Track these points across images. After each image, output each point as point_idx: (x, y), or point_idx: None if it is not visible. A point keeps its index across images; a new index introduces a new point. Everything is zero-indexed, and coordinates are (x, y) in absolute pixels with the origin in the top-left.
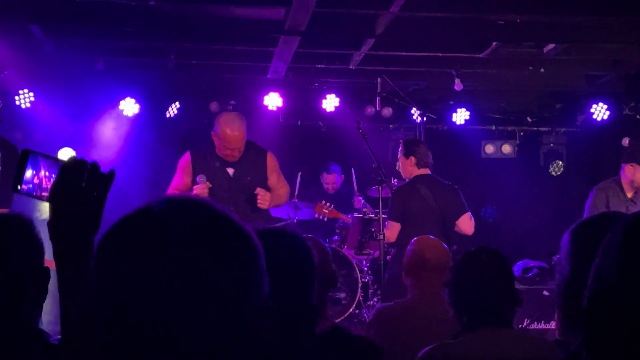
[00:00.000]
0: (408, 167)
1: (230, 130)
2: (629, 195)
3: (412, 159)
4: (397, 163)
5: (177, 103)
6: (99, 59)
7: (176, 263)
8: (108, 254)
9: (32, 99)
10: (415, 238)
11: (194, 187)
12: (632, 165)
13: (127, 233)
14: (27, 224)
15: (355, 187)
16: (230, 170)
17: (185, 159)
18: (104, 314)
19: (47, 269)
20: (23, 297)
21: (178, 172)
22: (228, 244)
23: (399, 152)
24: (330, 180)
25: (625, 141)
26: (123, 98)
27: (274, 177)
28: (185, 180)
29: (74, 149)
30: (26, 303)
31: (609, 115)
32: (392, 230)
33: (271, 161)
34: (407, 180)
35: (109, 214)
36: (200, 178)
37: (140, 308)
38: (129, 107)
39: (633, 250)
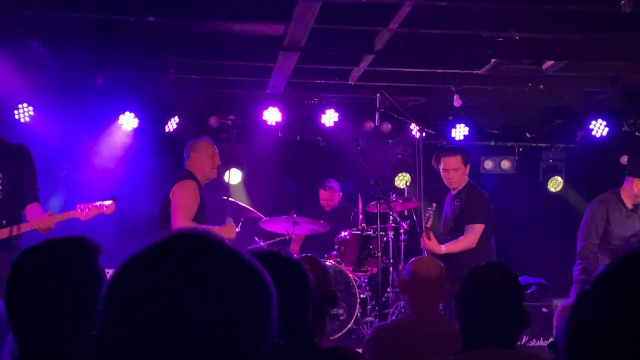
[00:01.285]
0: (465, 175)
1: (209, 140)
2: (629, 206)
3: (468, 167)
4: (449, 171)
5: (176, 117)
6: (98, 74)
7: (187, 303)
8: (119, 293)
9: (32, 113)
10: (413, 258)
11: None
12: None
13: (138, 272)
14: (89, 251)
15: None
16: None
17: (194, 187)
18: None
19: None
20: (79, 330)
21: (193, 202)
22: (245, 285)
23: (458, 161)
24: (327, 196)
25: (624, 159)
26: (122, 112)
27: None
28: (195, 209)
29: (72, 163)
30: (83, 336)
31: (607, 132)
32: (478, 232)
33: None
34: (458, 188)
35: (110, 228)
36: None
37: (153, 353)
38: (128, 121)
39: (604, 302)
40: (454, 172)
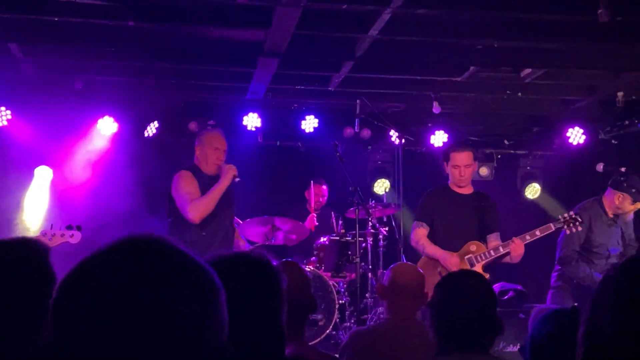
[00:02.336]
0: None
1: (217, 132)
2: (610, 215)
3: (477, 163)
4: (461, 168)
5: (155, 122)
6: (77, 78)
7: (135, 305)
8: (68, 298)
9: (9, 117)
10: (393, 264)
11: (226, 165)
12: (622, 195)
13: (87, 276)
14: (39, 251)
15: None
16: None
17: (187, 174)
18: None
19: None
20: (32, 330)
21: (190, 185)
22: (189, 285)
23: (470, 157)
24: (320, 192)
25: (600, 166)
26: (101, 117)
27: None
28: (198, 191)
29: (51, 168)
30: (36, 336)
31: (584, 140)
32: None
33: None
34: (467, 186)
35: (88, 231)
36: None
37: (99, 352)
38: (107, 126)
39: (627, 304)
40: (465, 169)
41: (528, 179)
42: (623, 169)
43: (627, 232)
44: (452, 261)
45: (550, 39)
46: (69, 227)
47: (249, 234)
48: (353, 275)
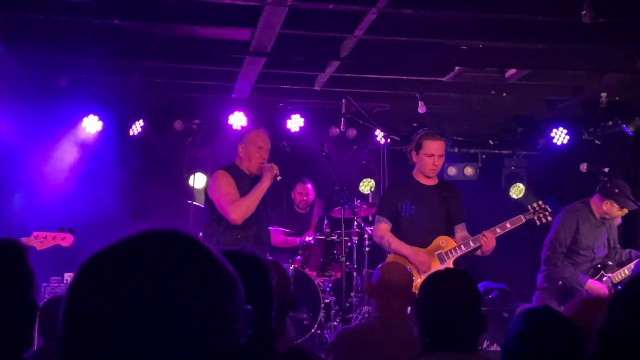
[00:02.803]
0: None
1: (260, 131)
2: (598, 217)
3: None
4: (435, 157)
5: (140, 121)
6: (62, 76)
7: (156, 299)
8: (88, 287)
9: None
10: (382, 263)
11: (267, 165)
12: (609, 202)
13: (108, 267)
14: (19, 251)
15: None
16: None
17: (224, 174)
18: (79, 351)
19: (34, 301)
20: (6, 329)
21: (228, 185)
22: (211, 279)
23: (443, 146)
24: (305, 190)
25: (584, 166)
26: (86, 115)
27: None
28: (237, 191)
29: (35, 166)
30: (10, 336)
31: (568, 140)
32: None
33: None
34: (435, 177)
35: (80, 234)
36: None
37: (117, 344)
38: (92, 124)
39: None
40: (439, 158)
41: (513, 179)
42: (606, 170)
43: (612, 235)
44: (420, 259)
45: (535, 39)
46: (61, 230)
47: None
48: (338, 275)
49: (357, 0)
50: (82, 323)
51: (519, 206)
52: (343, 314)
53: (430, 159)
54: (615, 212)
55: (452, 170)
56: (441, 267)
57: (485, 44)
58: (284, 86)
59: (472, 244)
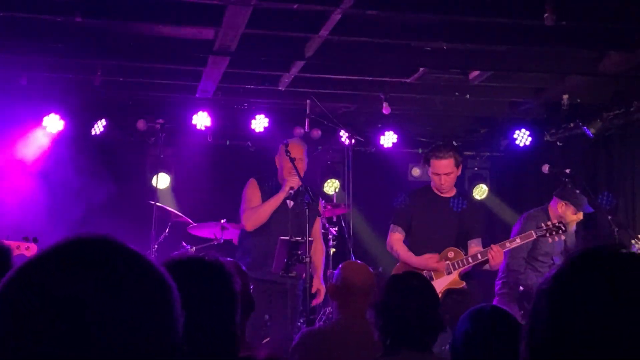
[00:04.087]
0: (456, 179)
1: (293, 141)
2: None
3: (460, 168)
4: (440, 176)
5: (103, 120)
6: (22, 74)
7: (83, 306)
8: (8, 306)
9: None
10: (343, 263)
11: (289, 177)
12: (565, 204)
13: (32, 276)
14: (3, 252)
15: None
16: (290, 203)
17: (252, 182)
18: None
19: None
20: None
21: (250, 193)
22: (141, 285)
23: (451, 164)
24: None
25: (546, 168)
26: (47, 114)
27: (317, 225)
28: (258, 200)
29: None
30: None
31: (530, 141)
32: None
33: (320, 209)
34: (450, 193)
35: (37, 227)
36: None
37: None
38: (53, 123)
39: (564, 302)
40: (445, 177)
41: (476, 180)
42: (568, 171)
43: (570, 243)
44: (430, 264)
45: (498, 41)
46: (25, 239)
47: (199, 232)
48: (303, 276)
49: (321, 0)
50: (7, 334)
51: (481, 207)
52: (307, 315)
53: (437, 177)
54: (569, 215)
55: (416, 172)
56: (447, 278)
57: (449, 46)
58: (249, 86)
59: (479, 257)
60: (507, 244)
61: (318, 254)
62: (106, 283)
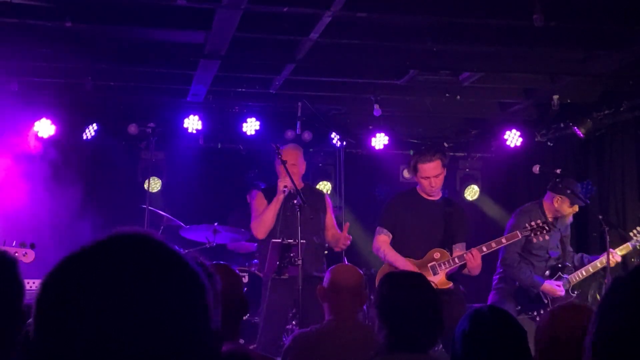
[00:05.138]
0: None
1: (288, 147)
2: (550, 219)
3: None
4: (430, 179)
5: (94, 125)
6: (13, 80)
7: (124, 302)
8: (53, 297)
9: None
10: (332, 266)
11: (281, 179)
12: (560, 197)
13: (75, 273)
14: (9, 263)
15: None
16: (296, 207)
17: (258, 194)
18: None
19: (24, 312)
20: (5, 341)
21: (257, 204)
22: (175, 280)
23: (438, 166)
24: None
25: (536, 168)
26: (38, 119)
27: (330, 216)
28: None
29: None
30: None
31: (521, 142)
32: None
33: (328, 202)
34: (437, 195)
35: (30, 232)
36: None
37: (88, 351)
38: (45, 128)
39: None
40: (435, 179)
41: (467, 181)
42: (558, 171)
43: (566, 236)
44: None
45: (488, 43)
46: (22, 245)
47: (191, 236)
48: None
49: (311, 3)
50: (52, 331)
51: (473, 208)
52: (300, 317)
53: (427, 181)
54: (566, 208)
55: (407, 173)
56: (434, 278)
57: (439, 47)
58: (240, 89)
59: (457, 261)
60: (484, 248)
61: (339, 241)
62: (144, 279)
